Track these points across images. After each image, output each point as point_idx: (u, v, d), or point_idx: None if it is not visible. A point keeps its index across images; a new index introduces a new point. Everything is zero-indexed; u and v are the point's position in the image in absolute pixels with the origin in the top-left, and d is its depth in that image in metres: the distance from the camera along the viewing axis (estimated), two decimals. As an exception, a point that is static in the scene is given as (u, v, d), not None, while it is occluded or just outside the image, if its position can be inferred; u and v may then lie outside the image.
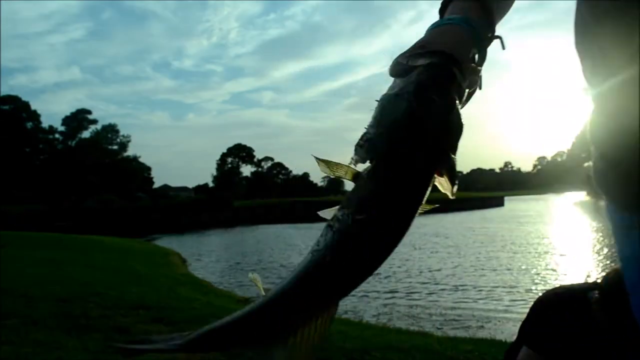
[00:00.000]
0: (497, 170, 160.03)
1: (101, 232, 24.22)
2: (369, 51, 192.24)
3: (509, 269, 13.24)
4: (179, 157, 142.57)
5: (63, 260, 10.47)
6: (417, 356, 3.22)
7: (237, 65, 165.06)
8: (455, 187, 0.60)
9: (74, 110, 68.42)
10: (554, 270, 13.25)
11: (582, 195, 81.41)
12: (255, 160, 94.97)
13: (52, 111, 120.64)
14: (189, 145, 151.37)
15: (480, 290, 10.40)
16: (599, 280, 1.53)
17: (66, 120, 61.93)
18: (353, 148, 0.58)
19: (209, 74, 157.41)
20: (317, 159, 0.61)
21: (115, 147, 64.86)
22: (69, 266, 9.45)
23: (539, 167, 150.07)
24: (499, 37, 0.71)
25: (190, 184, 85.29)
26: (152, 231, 32.83)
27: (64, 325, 3.91)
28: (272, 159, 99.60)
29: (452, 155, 0.58)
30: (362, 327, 5.04)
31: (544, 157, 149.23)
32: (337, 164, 0.60)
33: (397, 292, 10.53)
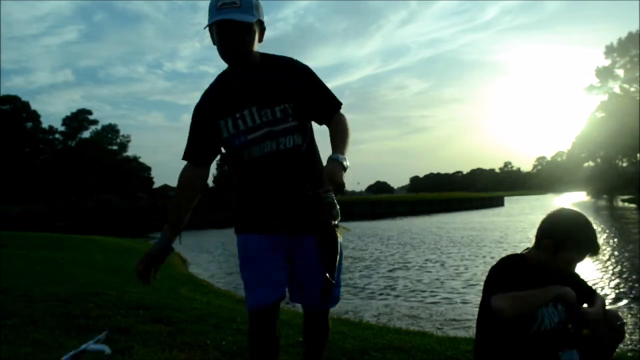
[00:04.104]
0: (497, 170, 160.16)
1: (101, 232, 24.21)
2: (362, 52, 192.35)
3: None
4: (178, 157, 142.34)
5: (63, 260, 10.47)
6: (417, 356, 3.22)
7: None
8: None
9: (70, 111, 68.39)
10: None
11: (582, 195, 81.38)
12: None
13: (49, 112, 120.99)
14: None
15: (481, 290, 10.37)
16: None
17: (66, 121, 61.94)
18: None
19: (203, 75, 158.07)
20: None
21: (115, 147, 64.87)
22: (69, 266, 9.44)
23: (539, 167, 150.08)
24: None
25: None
26: (152, 231, 32.81)
27: (64, 325, 3.91)
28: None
29: None
30: (362, 327, 5.04)
31: (543, 157, 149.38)
32: None
33: (397, 292, 10.53)
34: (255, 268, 1.95)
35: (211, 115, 1.91)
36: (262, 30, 1.92)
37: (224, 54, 1.84)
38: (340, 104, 1.97)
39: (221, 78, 1.98)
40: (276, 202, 1.94)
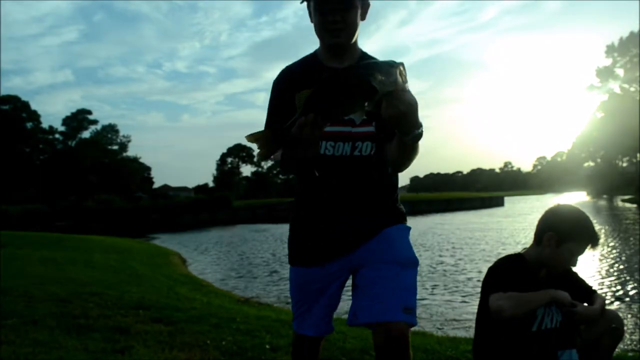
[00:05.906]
0: (497, 170, 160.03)
1: (101, 232, 24.21)
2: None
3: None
4: (178, 157, 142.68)
5: (63, 260, 10.47)
6: (417, 356, 3.22)
7: (230, 67, 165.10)
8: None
9: (69, 111, 68.36)
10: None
11: (582, 195, 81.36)
12: (255, 160, 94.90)
13: (48, 112, 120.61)
14: (186, 146, 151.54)
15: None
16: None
17: (66, 120, 61.93)
18: None
19: (202, 75, 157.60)
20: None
21: (115, 147, 64.87)
22: (69, 266, 9.44)
23: (539, 167, 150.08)
24: None
25: (190, 184, 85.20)
26: (152, 231, 32.82)
27: (64, 325, 3.91)
28: (272, 159, 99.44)
29: None
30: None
31: (544, 157, 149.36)
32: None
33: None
34: (304, 304, 1.87)
35: (292, 97, 1.54)
36: (366, 6, 1.71)
37: (322, 32, 1.65)
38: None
39: (311, 60, 1.76)
40: (336, 219, 1.72)
